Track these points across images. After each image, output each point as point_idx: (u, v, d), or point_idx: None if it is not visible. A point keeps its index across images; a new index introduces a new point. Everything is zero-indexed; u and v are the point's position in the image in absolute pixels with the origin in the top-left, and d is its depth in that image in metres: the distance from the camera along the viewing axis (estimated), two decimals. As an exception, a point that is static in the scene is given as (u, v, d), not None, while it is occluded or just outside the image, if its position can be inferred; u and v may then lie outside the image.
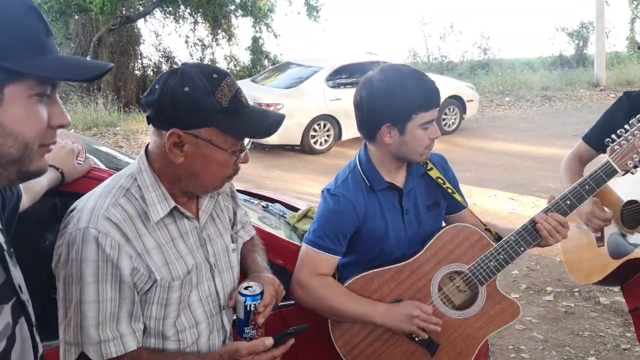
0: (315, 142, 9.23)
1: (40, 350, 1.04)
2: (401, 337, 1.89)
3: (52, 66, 0.87)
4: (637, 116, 1.84)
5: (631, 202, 2.26)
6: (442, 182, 1.97)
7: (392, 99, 1.75)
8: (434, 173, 1.97)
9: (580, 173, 2.40)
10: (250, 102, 1.44)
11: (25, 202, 1.39)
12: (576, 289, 4.34)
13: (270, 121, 1.40)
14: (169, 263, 1.38)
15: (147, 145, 1.44)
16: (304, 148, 9.18)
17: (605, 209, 2.22)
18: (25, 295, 0.99)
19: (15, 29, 0.84)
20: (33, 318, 1.01)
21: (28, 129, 0.87)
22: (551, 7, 29.49)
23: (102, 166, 2.02)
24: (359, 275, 1.89)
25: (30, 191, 1.47)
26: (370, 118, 1.82)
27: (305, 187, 7.22)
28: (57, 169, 1.64)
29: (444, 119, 10.43)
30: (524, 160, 8.67)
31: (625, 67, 17.40)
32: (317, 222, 1.88)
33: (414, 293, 1.88)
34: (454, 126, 10.62)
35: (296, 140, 9.08)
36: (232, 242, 1.61)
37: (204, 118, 1.31)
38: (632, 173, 1.86)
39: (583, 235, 2.44)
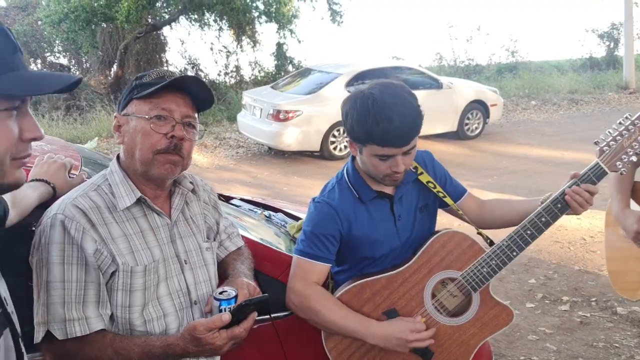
0: (334, 148, 9.22)
1: None
2: None
3: (15, 83, 0.92)
4: (625, 116, 1.80)
5: None
6: (432, 186, 1.97)
7: (358, 117, 1.73)
8: (424, 177, 1.97)
9: (631, 181, 2.33)
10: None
11: (13, 217, 1.43)
12: (593, 299, 4.24)
13: (179, 75, 1.51)
14: (134, 251, 1.46)
15: (119, 153, 1.58)
16: (323, 154, 9.18)
17: None
18: (10, 307, 1.02)
19: None
20: (19, 329, 1.04)
21: None
22: (581, 8, 28.97)
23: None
24: (350, 285, 1.89)
25: (18, 206, 1.50)
26: (345, 124, 1.83)
27: (323, 194, 7.21)
28: (49, 183, 1.67)
29: (466, 124, 10.33)
30: (548, 165, 8.51)
31: (657, 69, 16.97)
32: (304, 231, 1.91)
33: (407, 301, 1.88)
34: (477, 131, 10.51)
35: (315, 146, 9.09)
36: (206, 242, 1.67)
37: (128, 94, 1.52)
38: (621, 174, 1.82)
39: (632, 246, 2.32)
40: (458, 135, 10.36)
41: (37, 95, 1.00)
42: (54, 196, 1.71)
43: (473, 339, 1.93)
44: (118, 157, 1.58)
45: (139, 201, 1.51)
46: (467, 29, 20.27)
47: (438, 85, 10.00)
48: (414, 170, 1.95)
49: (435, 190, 1.97)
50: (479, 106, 10.42)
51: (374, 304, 1.87)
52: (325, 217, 1.87)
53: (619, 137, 1.78)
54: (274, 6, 16.04)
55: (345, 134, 1.83)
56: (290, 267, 1.92)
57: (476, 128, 10.50)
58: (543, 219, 1.82)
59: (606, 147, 1.80)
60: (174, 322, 1.51)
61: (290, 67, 17.05)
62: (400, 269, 1.88)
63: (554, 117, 12.73)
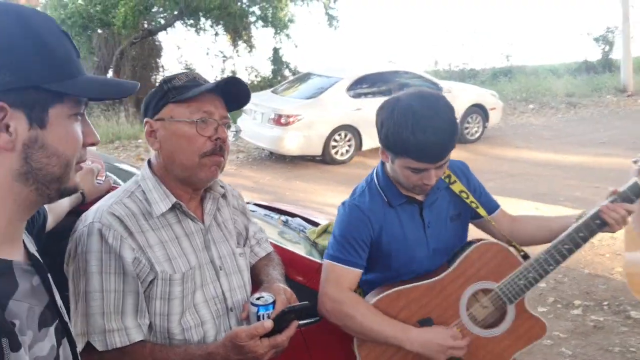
0: (336, 153, 9.20)
1: None
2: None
3: (89, 87, 0.93)
4: None
5: None
6: (465, 196, 1.94)
7: (395, 129, 1.70)
8: (457, 187, 1.94)
9: None
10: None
11: (50, 223, 1.43)
12: (605, 303, 4.22)
13: (224, 80, 1.49)
14: (171, 258, 1.43)
15: (149, 159, 1.57)
16: (325, 158, 9.15)
17: None
18: (66, 317, 1.01)
19: (53, 54, 0.88)
20: (75, 339, 1.03)
21: (69, 148, 0.91)
22: (575, 12, 29.15)
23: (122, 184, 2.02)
24: (385, 293, 1.85)
25: (54, 212, 1.50)
26: (379, 132, 1.80)
27: (327, 198, 7.18)
28: None
29: (466, 128, 10.33)
30: (549, 169, 8.51)
31: (653, 72, 17.07)
32: (334, 235, 1.88)
33: (442, 311, 1.84)
34: (477, 135, 10.51)
35: (317, 150, 9.06)
36: (238, 247, 1.64)
37: (161, 99, 1.48)
38: None
39: None
40: (458, 139, 10.31)
41: (109, 100, 1.04)
42: (82, 202, 1.70)
43: (506, 351, 1.89)
44: (149, 163, 1.55)
45: (173, 207, 1.48)
46: (462, 34, 20.31)
47: (438, 89, 9.99)
48: (446, 180, 1.92)
49: (468, 201, 1.94)
50: (479, 110, 10.42)
51: (410, 312, 1.84)
52: (356, 221, 1.84)
53: None
54: (270, 11, 16.06)
55: (380, 141, 1.82)
56: (320, 272, 1.89)
57: (476, 132, 10.50)
58: (581, 234, 1.81)
59: None
60: (211, 329, 1.49)
61: (286, 72, 17.06)
62: (437, 277, 1.85)
63: (552, 121, 12.76)
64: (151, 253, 1.40)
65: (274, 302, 1.46)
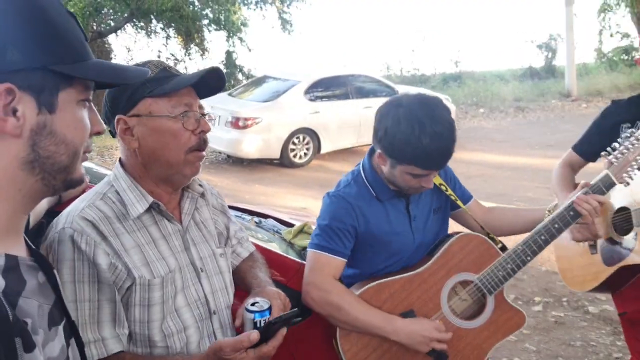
0: (294, 156, 9.17)
1: None
2: (410, 349, 1.85)
3: (100, 71, 0.87)
4: (629, 130, 1.92)
5: (622, 209, 2.29)
6: (444, 188, 1.98)
7: (393, 136, 1.71)
8: (436, 180, 1.97)
9: (573, 180, 2.45)
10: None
11: (30, 223, 1.37)
12: (564, 299, 4.34)
13: (205, 71, 1.39)
14: (149, 262, 1.35)
15: (120, 158, 1.47)
16: (284, 162, 9.10)
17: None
18: (73, 317, 0.96)
19: (62, 34, 0.83)
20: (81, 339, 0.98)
21: (78, 135, 0.86)
22: (520, 19, 30.14)
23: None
24: (368, 285, 1.85)
25: (34, 211, 1.43)
26: (375, 136, 1.81)
27: (287, 201, 7.14)
28: None
29: (421, 131, 10.47)
30: (502, 170, 8.75)
31: (595, 78, 17.82)
32: (318, 225, 1.87)
33: (424, 303, 1.86)
34: (432, 138, 10.66)
35: (275, 153, 9.00)
36: (219, 248, 1.56)
37: (134, 93, 1.34)
38: (625, 185, 1.91)
39: (576, 244, 2.45)
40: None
41: (120, 84, 0.97)
42: (59, 201, 1.63)
43: (486, 343, 1.93)
44: (121, 162, 1.45)
45: (149, 208, 1.39)
46: (412, 40, 20.71)
47: (394, 93, 10.09)
48: None
49: (447, 193, 1.98)
50: (433, 113, 10.58)
51: (392, 304, 1.84)
52: (341, 210, 1.84)
53: (625, 151, 1.87)
54: (223, 14, 15.90)
55: (380, 148, 1.81)
56: (300, 272, 1.88)
57: (430, 135, 10.66)
58: (556, 225, 1.88)
59: (614, 159, 1.88)
60: (194, 334, 1.42)
61: (240, 75, 16.90)
62: (419, 270, 1.87)
63: (502, 124, 13.13)
64: (127, 258, 1.32)
65: (269, 308, 1.39)
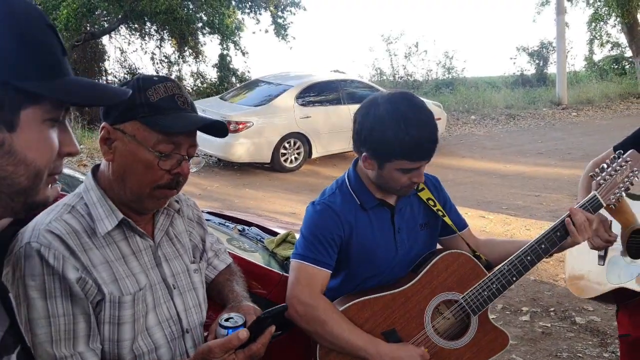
0: (285, 160, 9.15)
1: None
2: None
3: (71, 90, 0.82)
4: (617, 152, 1.92)
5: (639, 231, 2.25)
6: (432, 204, 1.94)
7: (379, 133, 1.70)
8: (425, 194, 1.94)
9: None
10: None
11: None
12: (552, 309, 4.33)
13: (206, 121, 1.32)
14: (118, 279, 1.29)
15: (95, 165, 1.40)
16: (274, 166, 9.08)
17: (614, 231, 2.21)
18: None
19: (32, 48, 0.78)
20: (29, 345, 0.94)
21: (40, 156, 0.80)
22: (512, 27, 30.29)
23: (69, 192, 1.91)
24: (350, 303, 1.80)
25: None
26: (357, 139, 1.79)
27: (277, 206, 7.11)
28: None
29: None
30: (492, 177, 8.76)
31: (585, 86, 17.93)
32: (302, 234, 1.82)
33: (407, 322, 1.82)
34: (423, 144, 10.67)
35: (266, 158, 8.98)
36: (193, 263, 1.51)
37: (129, 110, 1.28)
38: (612, 207, 1.93)
39: (588, 249, 2.39)
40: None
41: (94, 105, 0.90)
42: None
43: None
44: (94, 172, 1.38)
45: (120, 223, 1.33)
46: (405, 46, 20.73)
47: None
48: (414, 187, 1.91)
49: (435, 209, 1.94)
50: (425, 120, 10.59)
51: (374, 322, 1.80)
52: (327, 219, 1.80)
53: (613, 172, 1.88)
54: (218, 17, 15.86)
55: (366, 150, 1.77)
56: (281, 285, 1.84)
57: (422, 141, 10.67)
58: (543, 246, 1.86)
59: (602, 181, 1.89)
60: (166, 354, 1.37)
61: (233, 79, 16.87)
62: (403, 287, 1.82)
63: (493, 131, 13.16)
64: (97, 274, 1.26)
65: (244, 324, 1.35)
